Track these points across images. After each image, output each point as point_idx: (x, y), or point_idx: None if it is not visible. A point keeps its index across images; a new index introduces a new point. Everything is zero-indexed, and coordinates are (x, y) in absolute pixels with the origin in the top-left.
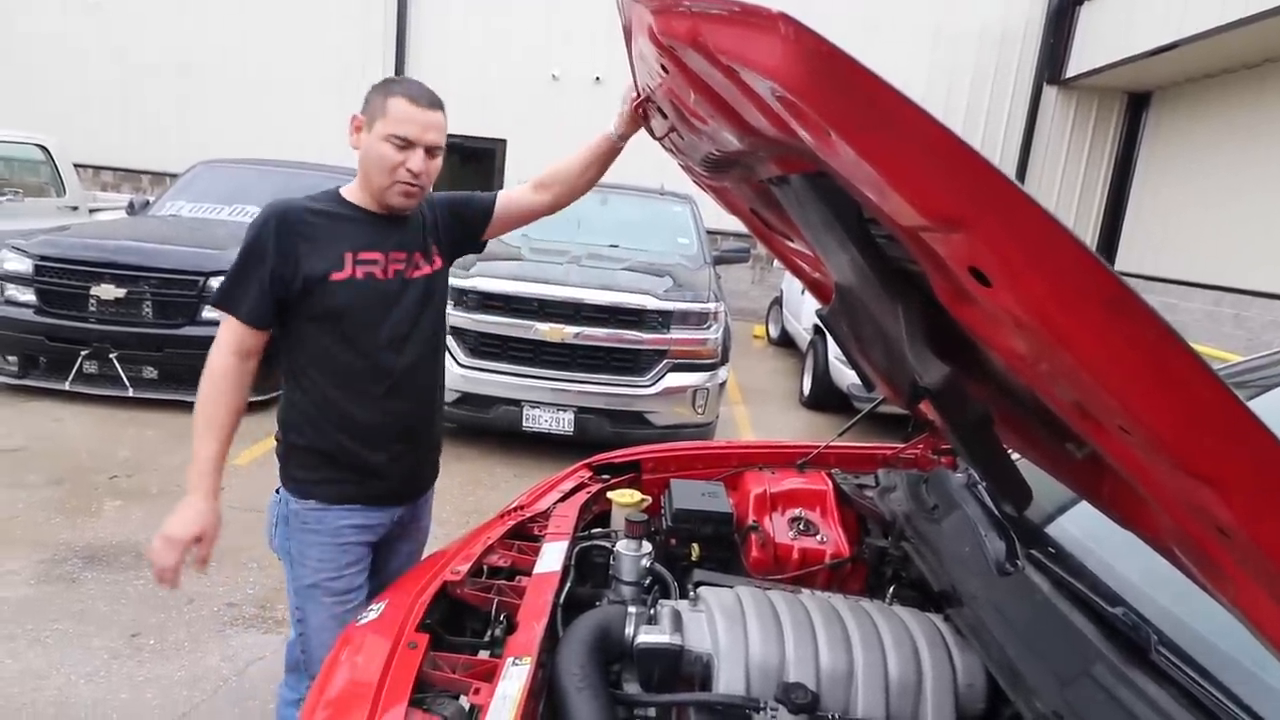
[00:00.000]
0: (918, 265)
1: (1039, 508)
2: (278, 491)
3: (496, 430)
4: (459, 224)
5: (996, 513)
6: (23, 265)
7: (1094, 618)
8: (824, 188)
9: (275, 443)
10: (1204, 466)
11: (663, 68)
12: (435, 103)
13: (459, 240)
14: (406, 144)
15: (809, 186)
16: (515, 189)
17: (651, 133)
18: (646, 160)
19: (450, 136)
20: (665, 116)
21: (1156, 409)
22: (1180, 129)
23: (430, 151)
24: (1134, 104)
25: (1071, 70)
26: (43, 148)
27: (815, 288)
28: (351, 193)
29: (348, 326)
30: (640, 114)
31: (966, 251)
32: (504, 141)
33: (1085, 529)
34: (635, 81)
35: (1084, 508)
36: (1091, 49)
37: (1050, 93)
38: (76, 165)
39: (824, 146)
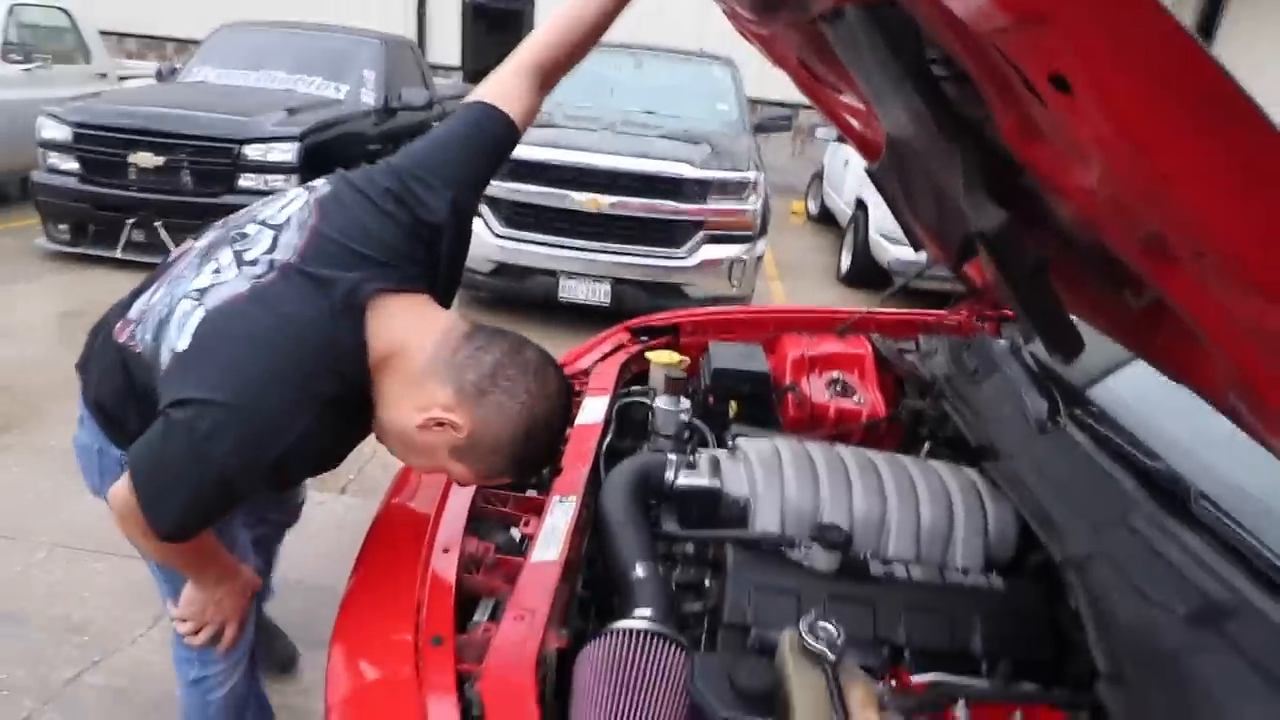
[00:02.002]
0: (979, 109)
1: (1081, 370)
2: (82, 424)
3: (532, 300)
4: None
5: (1039, 373)
6: (61, 132)
7: (1133, 472)
8: (882, 20)
9: (83, 374)
10: None
11: None
12: None
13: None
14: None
15: (866, 20)
16: (515, 92)
17: None
18: (684, 19)
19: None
20: None
21: (1245, 221)
22: (1257, 34)
23: None
24: (1210, 4)
25: None
26: (65, 11)
27: (863, 145)
28: (377, 393)
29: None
30: None
31: (1049, 53)
32: (532, 2)
33: (1128, 390)
34: None
35: (1127, 372)
36: None
37: None
38: (100, 33)
39: None
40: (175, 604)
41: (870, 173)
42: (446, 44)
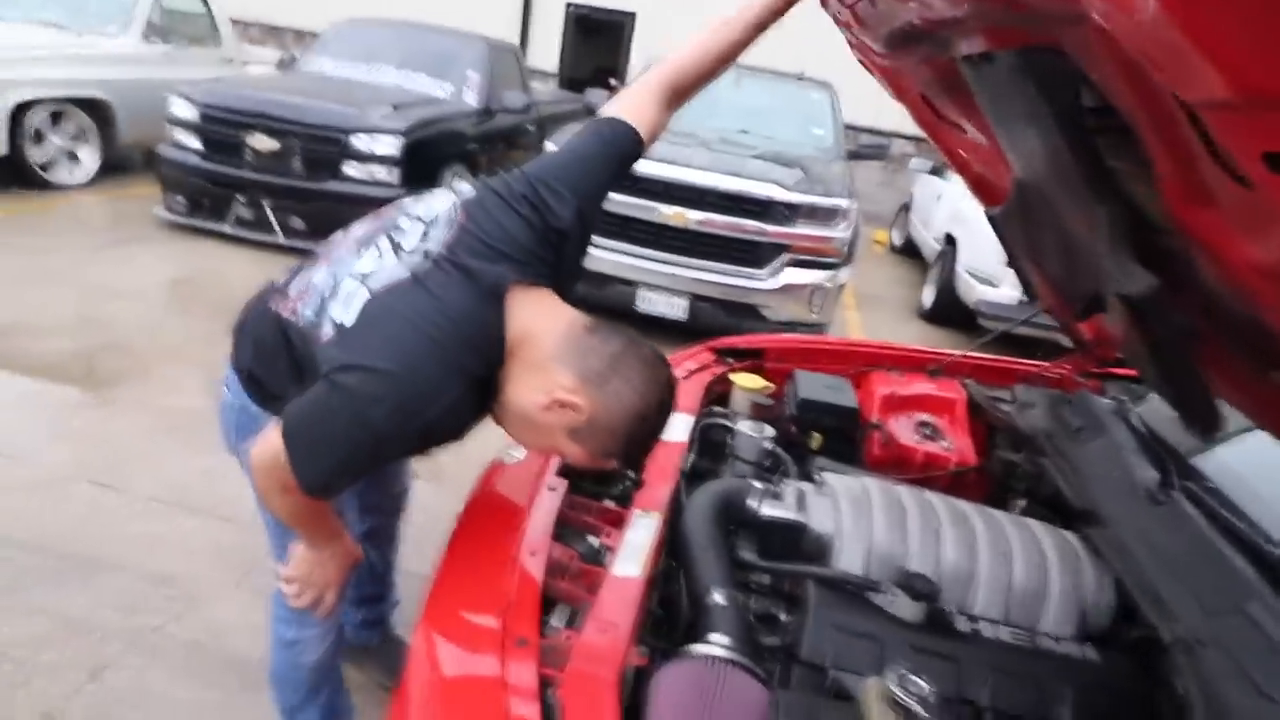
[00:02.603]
0: (1133, 163)
1: (1187, 439)
2: (228, 388)
3: (609, 308)
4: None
5: (1150, 440)
6: (190, 112)
7: (1251, 554)
8: (1039, 66)
9: (236, 336)
10: None
11: None
12: None
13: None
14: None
15: (1020, 65)
16: (646, 109)
17: (829, 2)
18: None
19: (575, 7)
20: None
21: None
22: None
23: None
24: None
25: None
26: None
27: (981, 186)
28: (503, 377)
29: None
30: None
31: (1272, 134)
32: (633, 15)
33: (1244, 462)
34: None
35: (1244, 440)
36: None
37: None
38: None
39: (1112, 6)
40: (284, 565)
41: (991, 216)
42: (547, 50)
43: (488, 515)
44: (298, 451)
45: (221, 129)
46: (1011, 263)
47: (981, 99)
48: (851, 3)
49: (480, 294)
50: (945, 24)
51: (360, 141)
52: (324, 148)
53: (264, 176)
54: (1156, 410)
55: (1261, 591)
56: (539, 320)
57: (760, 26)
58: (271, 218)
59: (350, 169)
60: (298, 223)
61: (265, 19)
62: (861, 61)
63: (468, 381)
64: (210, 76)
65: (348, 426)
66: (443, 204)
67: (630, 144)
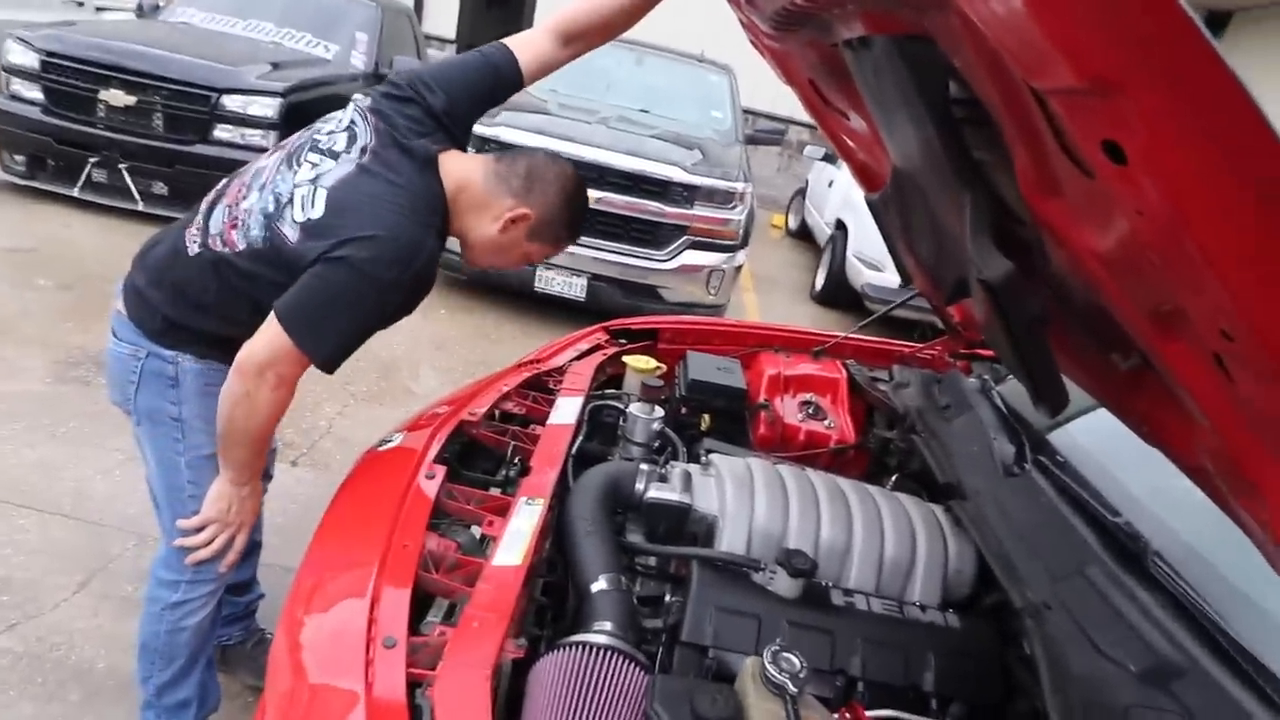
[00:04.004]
0: (995, 153)
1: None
2: (118, 338)
3: (508, 288)
4: (481, 107)
5: (1008, 417)
6: (28, 59)
7: (1093, 524)
8: (911, 55)
9: (131, 286)
10: None
11: None
12: None
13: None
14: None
15: (894, 53)
16: (533, 42)
17: None
18: (688, 21)
19: None
20: None
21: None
22: (1256, 55)
23: None
24: (1211, 23)
25: None
26: None
27: (863, 172)
28: (454, 227)
29: None
30: None
31: (1110, 121)
32: None
33: (1091, 437)
34: None
35: (1091, 418)
36: None
37: None
38: None
39: None
40: (173, 534)
41: (870, 202)
42: (445, 16)
43: (359, 506)
44: (308, 330)
45: (69, 80)
46: (889, 247)
47: (861, 85)
48: None
49: (418, 165)
50: (824, 5)
51: (233, 102)
52: (191, 106)
53: (120, 135)
54: (1017, 389)
55: (1101, 557)
56: (464, 172)
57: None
58: (129, 182)
59: (222, 132)
60: (160, 188)
61: None
62: (753, 42)
63: (435, 234)
64: (55, 20)
65: (354, 290)
66: (350, 114)
67: (506, 64)
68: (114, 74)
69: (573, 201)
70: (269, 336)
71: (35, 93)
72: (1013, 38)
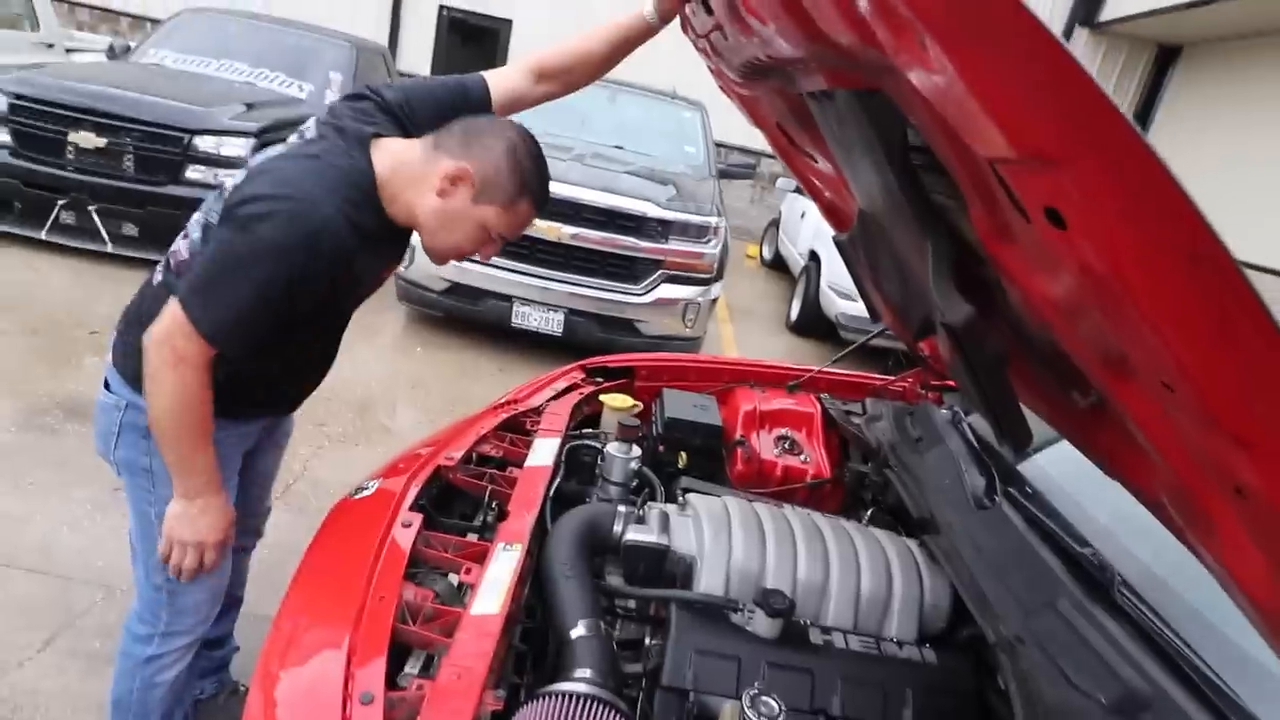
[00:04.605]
0: (954, 199)
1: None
2: (108, 389)
3: (484, 324)
4: (442, 116)
5: (979, 450)
6: None
7: (1062, 555)
8: (871, 107)
9: (116, 334)
10: (1250, 429)
11: None
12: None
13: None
14: (502, 239)
15: (855, 105)
16: (508, 74)
17: (689, 29)
18: (660, 60)
19: (451, 10)
20: (710, 13)
21: (1216, 369)
22: (1206, 89)
23: None
24: (1162, 57)
25: (1106, 14)
26: None
27: (831, 212)
28: (386, 200)
29: (305, 322)
30: (681, 8)
31: (1049, 191)
32: (509, 22)
33: (1059, 468)
34: None
35: (1059, 448)
36: None
37: (1081, 34)
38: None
39: (910, 58)
40: (146, 587)
41: (837, 242)
42: (419, 53)
43: (332, 557)
44: (197, 297)
45: (38, 122)
46: (857, 286)
47: (825, 132)
48: (706, 33)
49: (348, 144)
50: (786, 61)
51: (206, 143)
52: (163, 148)
53: (90, 177)
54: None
55: (1071, 589)
56: (400, 153)
57: (617, 43)
58: (99, 224)
59: (194, 172)
60: (130, 229)
61: (97, 1)
62: (722, 88)
63: (347, 207)
64: (24, 63)
65: (246, 251)
66: (309, 122)
67: (475, 84)
68: (84, 116)
69: (519, 154)
70: (168, 309)
71: (3, 136)
72: (955, 108)
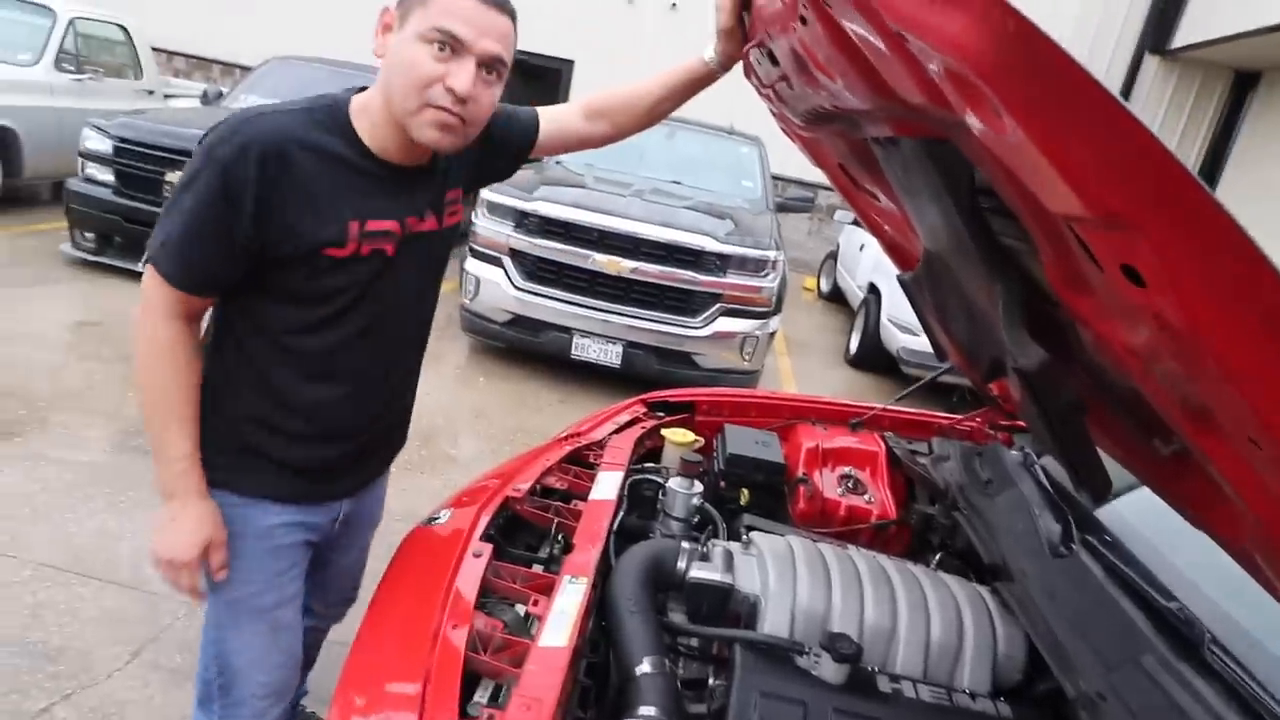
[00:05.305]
0: (1023, 241)
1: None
2: None
3: (544, 355)
4: (493, 150)
5: (1053, 494)
6: (103, 145)
7: (1146, 608)
8: (939, 155)
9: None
10: None
11: (802, 19)
12: (503, 3)
13: (488, 172)
14: (453, 47)
15: (922, 152)
16: (561, 111)
17: (752, 76)
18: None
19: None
20: (776, 64)
21: None
22: None
23: (488, 67)
24: (1239, 84)
25: (1179, 40)
26: (123, 27)
27: (895, 250)
28: (367, 129)
29: (334, 314)
30: (745, 56)
31: (1125, 250)
32: (571, 63)
33: (1139, 516)
34: (752, 24)
35: (1140, 494)
36: (1205, 18)
37: (1151, 63)
38: (151, 49)
39: (985, 123)
40: (204, 648)
41: (902, 281)
42: None
43: (407, 585)
44: (156, 230)
45: (138, 163)
46: (922, 324)
47: (890, 177)
48: (771, 83)
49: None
50: (853, 112)
51: None
52: None
53: None
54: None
55: (1155, 644)
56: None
57: (675, 87)
58: None
59: None
60: None
61: (192, 49)
62: (783, 130)
63: (305, 127)
64: (128, 108)
65: (193, 169)
66: None
67: (528, 114)
68: (180, 157)
69: None
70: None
71: (108, 175)
72: (1027, 168)
